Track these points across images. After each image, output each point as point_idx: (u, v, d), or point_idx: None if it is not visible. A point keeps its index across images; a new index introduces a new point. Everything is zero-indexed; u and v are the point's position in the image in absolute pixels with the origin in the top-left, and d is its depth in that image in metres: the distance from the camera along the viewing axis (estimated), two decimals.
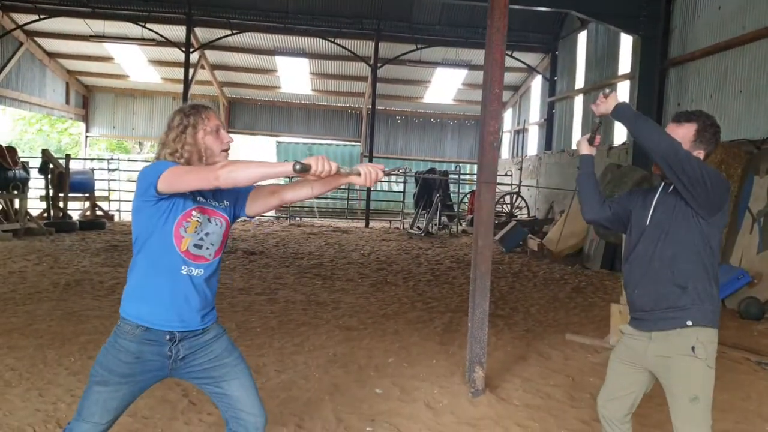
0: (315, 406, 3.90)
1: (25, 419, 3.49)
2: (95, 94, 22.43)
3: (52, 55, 19.78)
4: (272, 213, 18.29)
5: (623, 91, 13.02)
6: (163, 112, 21.74)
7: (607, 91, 2.55)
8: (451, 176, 18.24)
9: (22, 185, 12.33)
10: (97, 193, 15.57)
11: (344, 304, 6.98)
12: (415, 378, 4.52)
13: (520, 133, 20.71)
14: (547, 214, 15.99)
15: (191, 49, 16.88)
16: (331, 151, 22.90)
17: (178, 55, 17.87)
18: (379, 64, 17.62)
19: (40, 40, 18.91)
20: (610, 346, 5.18)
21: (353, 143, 23.22)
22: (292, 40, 18.30)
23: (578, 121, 15.86)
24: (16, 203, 12.28)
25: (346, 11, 17.05)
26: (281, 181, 11.76)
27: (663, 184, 2.56)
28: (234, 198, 2.39)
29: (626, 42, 13.18)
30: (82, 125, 23.05)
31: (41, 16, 16.57)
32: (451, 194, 17.29)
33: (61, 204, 13.59)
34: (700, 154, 2.45)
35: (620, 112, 2.47)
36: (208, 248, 2.28)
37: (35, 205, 14.33)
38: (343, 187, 15.53)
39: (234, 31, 17.08)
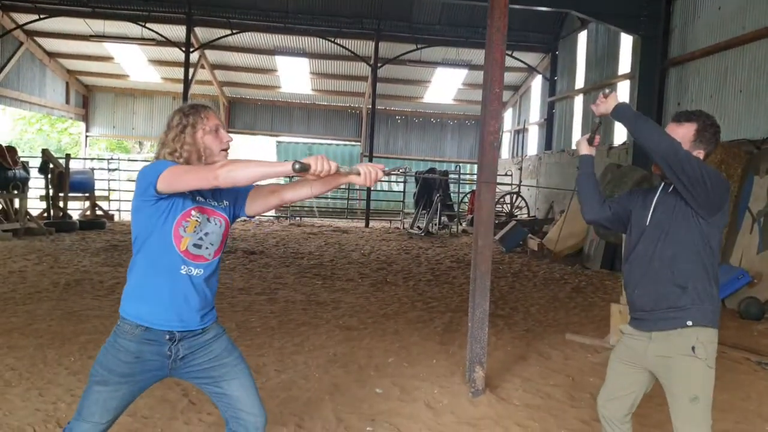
0: (315, 406, 3.90)
1: (25, 419, 3.49)
2: (95, 93, 22.43)
3: (52, 55, 19.78)
4: (272, 213, 18.28)
5: (623, 91, 13.01)
6: (163, 111, 21.71)
7: (607, 91, 2.55)
8: (451, 176, 18.23)
9: (22, 185, 12.32)
10: (97, 193, 15.56)
11: (344, 304, 6.98)
12: (415, 378, 4.52)
13: (520, 132, 20.71)
14: (547, 214, 15.99)
15: (191, 49, 16.87)
16: (331, 151, 22.88)
17: (178, 54, 17.88)
18: (379, 64, 17.61)
19: (40, 40, 18.91)
20: (610, 346, 5.18)
21: (353, 143, 23.21)
22: (292, 39, 18.30)
23: (578, 121, 15.86)
24: (16, 203, 12.28)
25: (346, 11, 17.05)
26: (281, 180, 11.76)
27: (663, 184, 2.56)
28: (233, 198, 2.39)
29: (626, 42, 13.18)
30: (82, 125, 23.05)
31: (41, 16, 16.57)
32: (451, 194, 17.28)
33: (61, 204, 13.59)
34: (700, 153, 2.46)
35: (620, 112, 2.47)
36: (207, 248, 2.28)
37: (35, 205, 14.32)
38: (343, 186, 15.53)
39: (234, 31, 17.08)
